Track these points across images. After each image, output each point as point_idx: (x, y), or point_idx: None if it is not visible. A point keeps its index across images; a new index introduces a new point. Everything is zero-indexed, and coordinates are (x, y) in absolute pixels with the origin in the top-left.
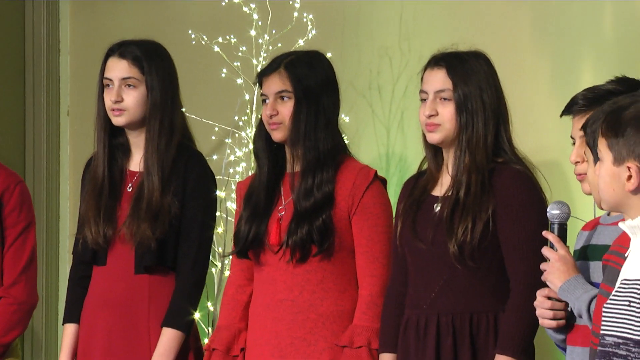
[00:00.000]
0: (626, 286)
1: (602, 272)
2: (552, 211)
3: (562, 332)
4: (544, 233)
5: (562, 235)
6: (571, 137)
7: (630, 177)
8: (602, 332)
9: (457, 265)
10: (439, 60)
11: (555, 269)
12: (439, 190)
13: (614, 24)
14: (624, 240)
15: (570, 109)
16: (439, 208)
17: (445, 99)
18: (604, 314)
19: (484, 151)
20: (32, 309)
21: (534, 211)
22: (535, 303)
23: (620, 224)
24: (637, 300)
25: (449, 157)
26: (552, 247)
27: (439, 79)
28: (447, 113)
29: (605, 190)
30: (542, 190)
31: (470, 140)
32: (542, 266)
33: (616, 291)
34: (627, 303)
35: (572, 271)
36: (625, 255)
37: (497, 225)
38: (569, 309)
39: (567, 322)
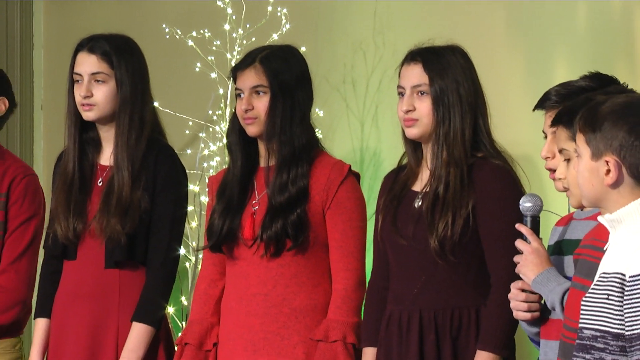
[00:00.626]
0: (605, 279)
1: (574, 266)
2: (525, 204)
3: (536, 325)
4: (517, 226)
5: (535, 228)
6: (543, 132)
7: (608, 171)
8: (580, 325)
9: (438, 261)
10: (415, 56)
11: (529, 262)
12: (419, 186)
13: (587, 21)
14: (599, 234)
15: (543, 104)
16: (419, 203)
17: (422, 93)
18: (582, 307)
19: (462, 145)
20: (20, 302)
21: (513, 206)
22: (510, 295)
23: (600, 218)
24: (615, 294)
25: (428, 152)
26: (525, 239)
27: (415, 74)
28: (424, 108)
29: (585, 185)
30: (522, 184)
31: (447, 135)
32: (516, 259)
33: (595, 284)
34: (606, 296)
35: (545, 264)
36: (604, 248)
37: (477, 220)
38: (543, 301)
39: (542, 315)
